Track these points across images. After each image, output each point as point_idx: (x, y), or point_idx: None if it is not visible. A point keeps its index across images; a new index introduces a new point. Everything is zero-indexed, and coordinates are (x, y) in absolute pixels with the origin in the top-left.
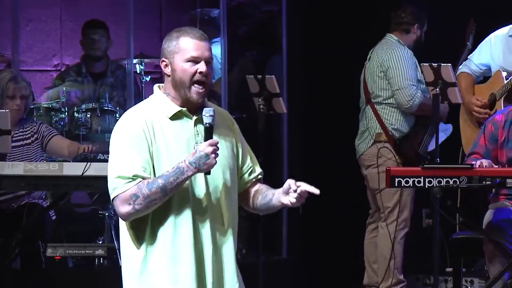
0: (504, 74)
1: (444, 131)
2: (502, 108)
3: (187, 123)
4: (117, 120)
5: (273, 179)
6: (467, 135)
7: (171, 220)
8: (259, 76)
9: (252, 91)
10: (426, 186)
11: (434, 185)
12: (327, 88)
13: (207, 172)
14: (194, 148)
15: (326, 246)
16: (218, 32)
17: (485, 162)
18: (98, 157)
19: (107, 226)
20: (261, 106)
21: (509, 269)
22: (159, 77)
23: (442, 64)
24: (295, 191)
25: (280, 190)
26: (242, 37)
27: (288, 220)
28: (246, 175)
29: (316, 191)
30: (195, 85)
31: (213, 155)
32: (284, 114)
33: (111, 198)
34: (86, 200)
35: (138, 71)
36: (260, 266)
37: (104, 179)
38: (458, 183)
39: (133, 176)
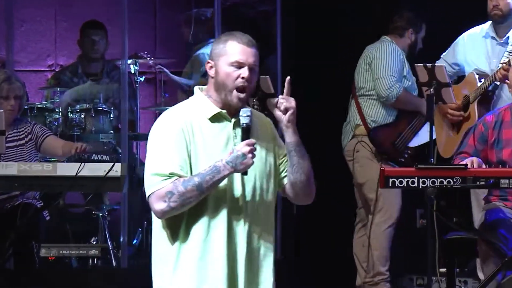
0: (477, 76)
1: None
2: (476, 112)
3: (226, 125)
4: (111, 120)
5: None
6: (441, 135)
7: (205, 219)
8: None
9: None
10: (420, 187)
11: (428, 185)
12: (322, 88)
13: (244, 173)
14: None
15: (321, 247)
16: (212, 32)
17: (475, 160)
18: (92, 157)
19: (101, 227)
20: (256, 106)
21: (503, 269)
22: (153, 78)
23: (436, 64)
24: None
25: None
26: None
27: (282, 221)
28: (283, 175)
29: (287, 80)
30: (237, 90)
31: (250, 155)
32: None
33: (147, 195)
34: (80, 201)
35: (133, 72)
36: None
37: (97, 179)
38: (452, 183)
39: (169, 174)
